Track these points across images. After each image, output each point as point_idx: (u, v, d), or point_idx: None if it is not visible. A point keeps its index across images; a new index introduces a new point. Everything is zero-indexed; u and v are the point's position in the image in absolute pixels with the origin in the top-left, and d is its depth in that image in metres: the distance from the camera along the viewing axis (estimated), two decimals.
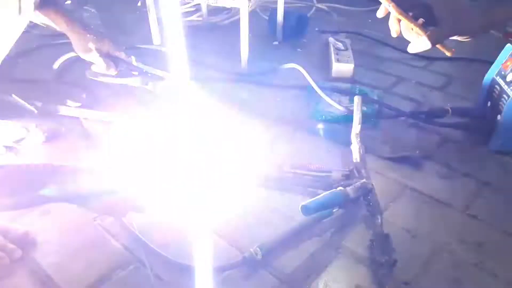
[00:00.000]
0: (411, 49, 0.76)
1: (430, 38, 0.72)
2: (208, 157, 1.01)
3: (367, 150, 1.06)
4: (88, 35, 1.03)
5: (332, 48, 1.56)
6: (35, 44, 1.67)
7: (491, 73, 1.16)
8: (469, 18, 0.71)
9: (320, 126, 1.21)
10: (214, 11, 2.07)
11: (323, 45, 1.71)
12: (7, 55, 0.89)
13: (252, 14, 1.99)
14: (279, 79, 1.47)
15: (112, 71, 1.03)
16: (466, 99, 1.35)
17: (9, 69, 1.48)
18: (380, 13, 0.75)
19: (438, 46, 0.74)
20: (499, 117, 1.07)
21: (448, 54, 0.74)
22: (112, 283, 0.74)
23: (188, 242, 0.82)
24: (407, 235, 0.86)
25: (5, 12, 0.77)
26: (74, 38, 1.04)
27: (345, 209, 0.90)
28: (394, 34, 0.76)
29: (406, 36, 0.76)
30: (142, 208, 0.82)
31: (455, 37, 0.76)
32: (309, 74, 1.37)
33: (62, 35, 1.11)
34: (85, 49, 1.03)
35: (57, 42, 1.62)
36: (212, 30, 1.90)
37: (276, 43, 1.78)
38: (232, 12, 2.02)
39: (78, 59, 1.18)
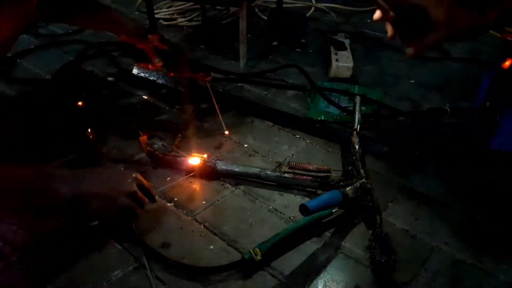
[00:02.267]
0: (409, 52, 0.77)
1: (426, 44, 0.73)
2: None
3: (366, 150, 1.06)
4: (142, 27, 1.11)
5: (331, 48, 1.55)
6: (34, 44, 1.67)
7: (490, 73, 1.16)
8: (464, 22, 0.72)
9: (319, 126, 1.21)
10: (214, 11, 2.07)
11: (322, 45, 1.71)
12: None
13: (251, 14, 2.00)
14: (279, 80, 1.47)
15: (158, 62, 1.07)
16: (465, 99, 1.35)
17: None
18: (376, 16, 0.77)
19: None
20: (498, 117, 1.07)
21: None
22: (111, 284, 0.74)
23: (187, 242, 0.82)
24: (406, 235, 0.86)
25: (6, 12, 0.76)
26: (130, 27, 1.08)
27: (344, 210, 0.90)
28: (389, 37, 0.78)
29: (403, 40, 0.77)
30: (135, 216, 0.81)
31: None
32: (308, 74, 1.36)
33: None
34: (142, 38, 1.07)
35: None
36: (211, 30, 1.90)
37: (275, 43, 1.78)
38: (231, 12, 2.03)
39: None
